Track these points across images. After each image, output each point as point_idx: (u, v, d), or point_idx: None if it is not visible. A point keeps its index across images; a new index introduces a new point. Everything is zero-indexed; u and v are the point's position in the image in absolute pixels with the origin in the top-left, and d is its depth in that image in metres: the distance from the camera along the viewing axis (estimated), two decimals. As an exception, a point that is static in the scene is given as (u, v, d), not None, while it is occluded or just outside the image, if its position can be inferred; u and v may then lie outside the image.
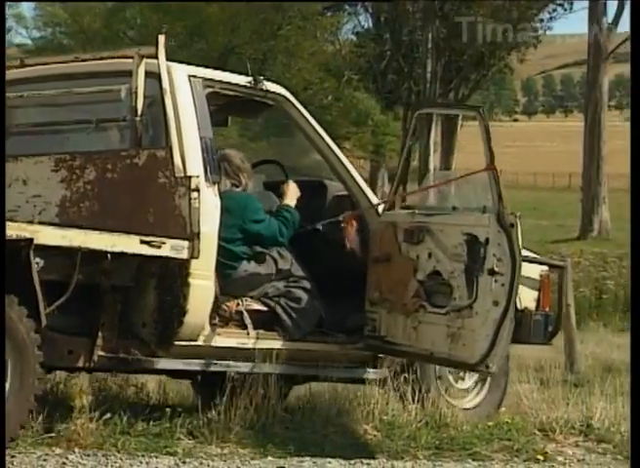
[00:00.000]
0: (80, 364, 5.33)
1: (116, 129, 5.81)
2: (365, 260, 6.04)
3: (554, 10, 37.66)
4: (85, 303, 5.25)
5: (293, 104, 6.08)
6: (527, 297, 6.44)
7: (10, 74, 5.89)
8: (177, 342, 5.42)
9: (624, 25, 31.50)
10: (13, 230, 4.75)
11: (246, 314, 5.71)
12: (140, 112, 5.48)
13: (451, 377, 6.29)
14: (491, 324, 5.48)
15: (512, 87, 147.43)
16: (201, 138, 5.54)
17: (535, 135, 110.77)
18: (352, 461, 5.20)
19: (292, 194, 6.06)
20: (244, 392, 5.59)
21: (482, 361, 5.47)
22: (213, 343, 5.55)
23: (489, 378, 6.34)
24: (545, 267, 6.61)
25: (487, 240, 5.54)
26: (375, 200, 6.17)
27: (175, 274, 5.35)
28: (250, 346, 5.65)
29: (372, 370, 6.09)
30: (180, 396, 6.53)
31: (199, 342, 5.49)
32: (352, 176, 6.19)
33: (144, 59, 5.48)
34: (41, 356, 4.81)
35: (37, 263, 4.88)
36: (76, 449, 4.93)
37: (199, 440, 5.28)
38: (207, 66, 6.03)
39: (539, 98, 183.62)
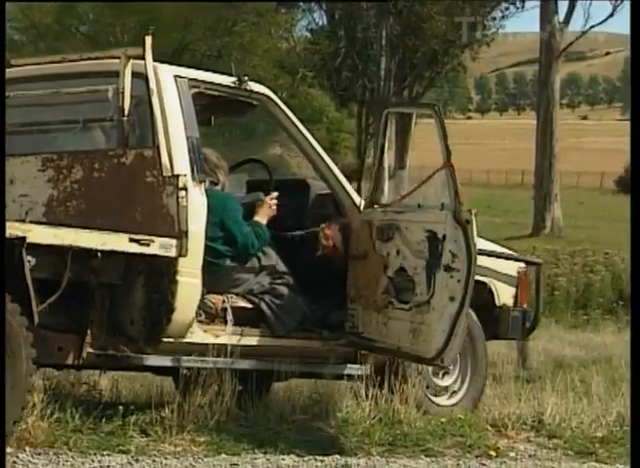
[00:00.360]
0: (69, 361, 5.38)
1: (103, 129, 5.86)
2: (347, 258, 6.15)
3: (506, 8, 37.88)
4: (74, 301, 5.29)
5: (276, 104, 6.15)
6: (505, 294, 6.57)
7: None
8: (165, 339, 5.49)
9: (575, 24, 31.79)
10: (5, 229, 4.86)
11: (229, 311, 5.78)
12: (126, 112, 5.55)
13: (431, 375, 6.32)
14: (447, 319, 5.57)
15: (466, 85, 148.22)
16: (187, 138, 5.61)
17: (488, 132, 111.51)
18: (306, 458, 5.20)
19: (264, 213, 6.10)
20: (197, 389, 5.58)
21: (438, 355, 5.56)
22: (199, 340, 5.62)
23: (468, 376, 6.42)
24: (523, 264, 6.71)
25: (444, 236, 5.63)
26: (357, 199, 6.23)
27: (163, 272, 5.43)
28: (234, 343, 5.71)
29: (355, 366, 6.14)
30: (132, 393, 6.49)
31: (186, 339, 5.56)
32: (335, 175, 6.25)
33: (131, 60, 5.56)
34: (34, 353, 4.87)
35: (29, 262, 4.93)
36: (27, 448, 4.88)
37: (152, 438, 5.25)
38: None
39: (492, 96, 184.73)
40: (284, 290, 5.96)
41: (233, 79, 5.99)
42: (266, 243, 6.00)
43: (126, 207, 5.47)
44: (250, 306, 5.89)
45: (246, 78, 6.04)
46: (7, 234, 4.82)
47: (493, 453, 5.50)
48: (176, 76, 5.71)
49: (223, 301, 5.82)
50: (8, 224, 4.91)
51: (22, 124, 6.08)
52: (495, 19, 39.08)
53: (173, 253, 5.37)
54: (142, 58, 5.53)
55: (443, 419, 5.93)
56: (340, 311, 6.12)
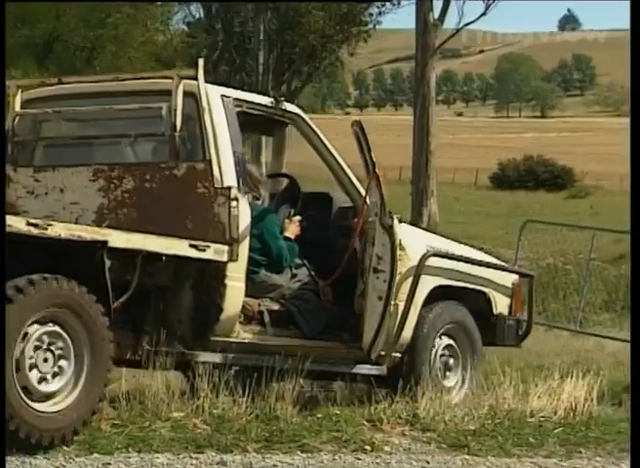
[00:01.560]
0: (127, 356, 5.78)
1: (154, 143, 6.35)
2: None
3: (383, 5, 38.31)
4: (132, 300, 5.67)
5: (307, 123, 6.70)
6: (501, 304, 7.14)
7: (48, 91, 6.60)
8: (212, 338, 5.97)
9: (450, 22, 32.22)
10: (88, 233, 5.32)
11: (266, 314, 6.32)
12: (178, 128, 5.98)
13: (439, 375, 6.70)
14: (376, 317, 6.18)
15: (344, 80, 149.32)
16: (234, 153, 6.08)
17: (366, 128, 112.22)
18: (181, 456, 5.16)
19: (292, 231, 6.63)
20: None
21: (369, 351, 6.21)
22: (241, 339, 6.10)
23: (469, 375, 6.84)
24: (517, 276, 7.30)
25: (373, 240, 6.23)
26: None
27: (211, 275, 5.91)
28: (269, 343, 6.22)
29: (375, 366, 6.49)
30: None
31: (230, 338, 6.04)
32: (357, 190, 6.71)
33: (183, 80, 6.03)
34: (112, 349, 5.32)
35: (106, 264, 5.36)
36: None
37: (21, 438, 5.11)
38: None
39: (369, 92, 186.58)
40: (312, 296, 6.50)
41: (270, 99, 6.57)
42: (296, 256, 6.54)
43: (177, 215, 5.92)
44: (282, 310, 6.40)
45: (282, 99, 6.62)
46: (90, 238, 5.29)
47: (368, 448, 5.54)
48: (222, 95, 6.20)
49: (259, 305, 6.32)
50: (90, 229, 5.39)
51: (74, 137, 6.54)
52: (371, 14, 39.47)
53: (225, 258, 5.84)
54: (194, 78, 5.98)
55: (319, 415, 5.94)
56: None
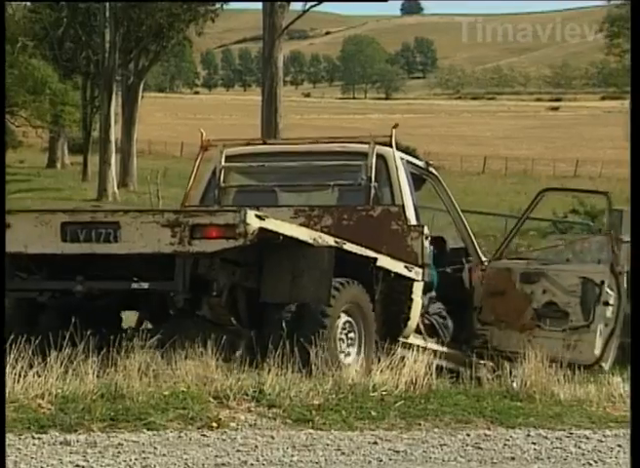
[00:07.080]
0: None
1: (343, 192, 8.15)
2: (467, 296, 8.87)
3: (231, -16, 38.12)
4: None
5: (440, 181, 8.83)
6: None
7: (251, 149, 8.63)
8: (399, 339, 7.82)
9: (297, 4, 32.32)
10: (362, 251, 7.27)
11: (421, 325, 8.25)
12: (373, 181, 7.89)
13: None
14: (603, 338, 8.32)
15: (192, 60, 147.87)
16: (412, 201, 8.03)
17: (215, 107, 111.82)
18: (23, 436, 5.13)
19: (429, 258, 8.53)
20: None
21: (597, 362, 8.26)
22: (411, 342, 8.02)
23: None
24: None
25: (602, 282, 8.32)
26: (481, 253, 8.97)
27: (401, 292, 7.79)
28: (425, 346, 8.02)
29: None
30: None
31: (408, 340, 7.98)
32: (470, 236, 8.95)
33: (376, 145, 7.98)
34: (375, 332, 7.41)
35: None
36: None
37: None
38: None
39: (218, 72, 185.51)
40: (445, 313, 8.58)
41: (423, 162, 8.78)
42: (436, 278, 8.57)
43: (372, 246, 7.37)
44: (427, 322, 8.42)
45: (431, 162, 8.86)
46: (364, 254, 7.30)
47: (214, 425, 5.59)
48: (401, 158, 8.18)
49: None
50: (360, 248, 7.23)
51: (278, 185, 8.34)
52: (220, -6, 39.25)
53: (420, 278, 7.84)
54: (385, 144, 8.00)
55: (166, 392, 5.95)
56: (467, 331, 8.69)
